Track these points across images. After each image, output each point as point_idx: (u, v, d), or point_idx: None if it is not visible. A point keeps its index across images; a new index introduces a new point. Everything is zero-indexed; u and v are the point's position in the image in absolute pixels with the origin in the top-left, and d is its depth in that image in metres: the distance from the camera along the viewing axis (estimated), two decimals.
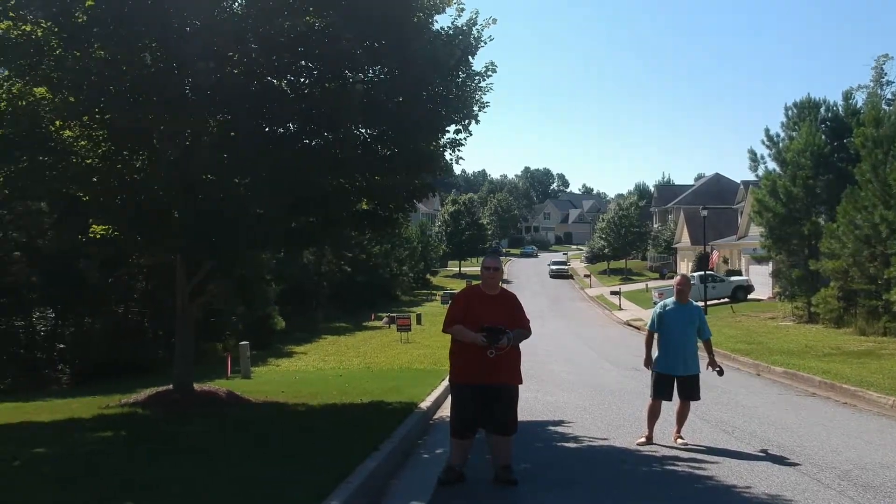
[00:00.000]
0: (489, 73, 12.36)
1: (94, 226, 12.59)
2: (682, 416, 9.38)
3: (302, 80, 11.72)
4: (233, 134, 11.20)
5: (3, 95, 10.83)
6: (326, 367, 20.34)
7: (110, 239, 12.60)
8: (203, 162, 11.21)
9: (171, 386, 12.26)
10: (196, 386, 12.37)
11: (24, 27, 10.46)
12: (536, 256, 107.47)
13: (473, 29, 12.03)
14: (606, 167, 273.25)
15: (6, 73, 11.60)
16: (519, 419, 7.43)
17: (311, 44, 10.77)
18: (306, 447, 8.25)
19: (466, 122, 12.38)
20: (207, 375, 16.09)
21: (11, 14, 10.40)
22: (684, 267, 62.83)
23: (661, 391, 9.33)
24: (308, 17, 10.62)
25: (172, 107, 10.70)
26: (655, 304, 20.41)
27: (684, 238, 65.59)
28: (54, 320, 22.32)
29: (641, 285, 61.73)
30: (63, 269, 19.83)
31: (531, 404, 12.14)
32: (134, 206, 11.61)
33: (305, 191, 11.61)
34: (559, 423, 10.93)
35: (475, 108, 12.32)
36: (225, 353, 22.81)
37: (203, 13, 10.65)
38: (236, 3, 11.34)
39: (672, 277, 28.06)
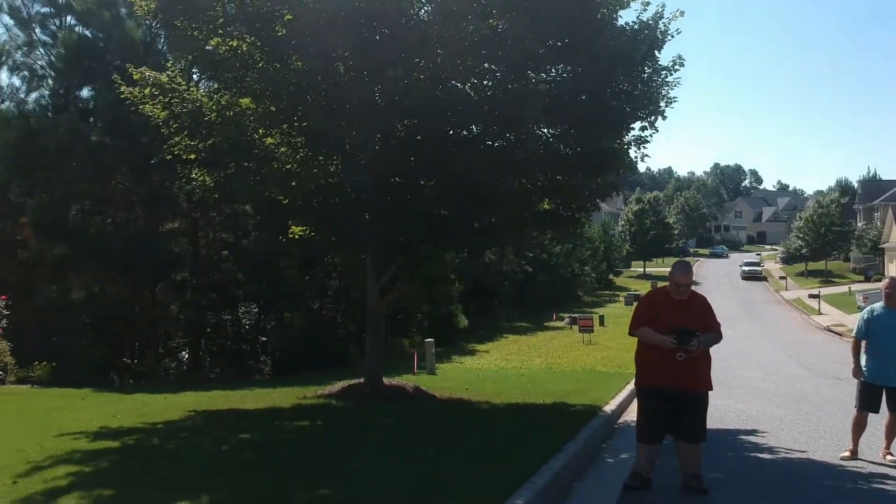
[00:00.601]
0: (676, 67, 11.94)
1: (292, 227, 13.39)
2: (891, 431, 8.63)
3: (485, 82, 11.86)
4: (419, 137, 11.53)
5: (213, 107, 11.74)
6: (509, 367, 20.48)
7: (307, 239, 13.35)
8: (391, 165, 11.61)
9: (362, 379, 12.80)
10: (385, 380, 12.84)
11: (231, 43, 11.31)
12: (727, 257, 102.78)
13: (660, 23, 11.68)
14: (803, 162, 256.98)
15: (216, 86, 12.58)
16: (708, 427, 7.13)
17: (495, 46, 10.87)
18: (489, 444, 8.35)
19: (652, 118, 12.04)
20: (395, 370, 16.66)
21: (220, 31, 11.27)
22: (893, 269, 57.84)
23: (867, 402, 8.63)
24: (491, 21, 10.73)
25: (363, 113, 11.17)
26: (860, 308, 18.91)
27: (893, 237, 60.38)
28: (257, 315, 23.96)
29: (843, 288, 57.49)
30: (265, 267, 21.23)
31: (721, 412, 11.62)
32: (328, 209, 12.23)
33: (488, 191, 11.74)
34: (752, 432, 10.38)
35: (661, 104, 11.95)
36: (411, 349, 23.52)
37: (391, 22, 11.03)
38: (422, 11, 11.67)
39: (879, 280, 25.88)
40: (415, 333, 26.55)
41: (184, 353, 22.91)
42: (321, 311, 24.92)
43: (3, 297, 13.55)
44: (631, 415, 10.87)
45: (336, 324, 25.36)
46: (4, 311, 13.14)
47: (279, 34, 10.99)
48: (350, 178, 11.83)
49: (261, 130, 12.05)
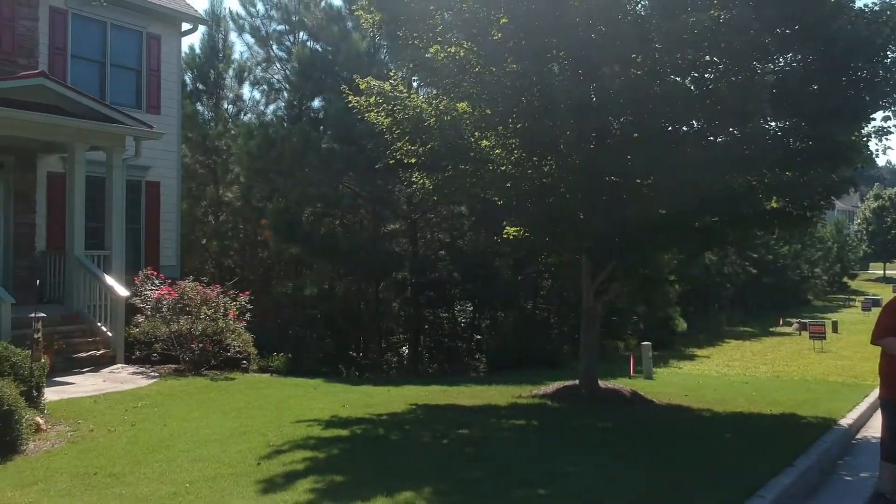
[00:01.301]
0: None
1: (507, 227, 13.57)
2: None
3: (706, 75, 11.37)
4: (636, 135, 11.27)
5: (432, 112, 12.16)
6: (731, 373, 19.52)
7: (521, 239, 13.48)
8: (607, 164, 11.44)
9: (576, 381, 12.73)
10: (600, 383, 12.68)
11: (449, 49, 11.66)
12: None
13: None
14: None
15: (434, 92, 13.03)
16: None
17: (717, 37, 10.39)
18: (711, 454, 8.00)
19: None
20: (610, 373, 16.40)
21: (439, 39, 11.66)
22: None
23: None
24: (713, 11, 10.28)
25: (578, 112, 11.09)
26: None
27: None
28: (472, 313, 24.51)
29: None
30: (480, 267, 21.68)
31: None
32: (543, 209, 12.27)
33: (710, 189, 11.25)
34: None
35: None
36: (626, 351, 23.05)
37: (607, 18, 10.88)
38: (639, 5, 11.41)
39: None
40: (630, 336, 25.99)
41: (404, 348, 23.91)
42: (534, 310, 25.05)
43: (247, 292, 14.81)
44: (871, 430, 10.00)
45: (548, 324, 25.39)
46: (248, 306, 14.36)
47: (495, 38, 11.18)
48: (564, 179, 11.79)
49: (476, 133, 12.32)
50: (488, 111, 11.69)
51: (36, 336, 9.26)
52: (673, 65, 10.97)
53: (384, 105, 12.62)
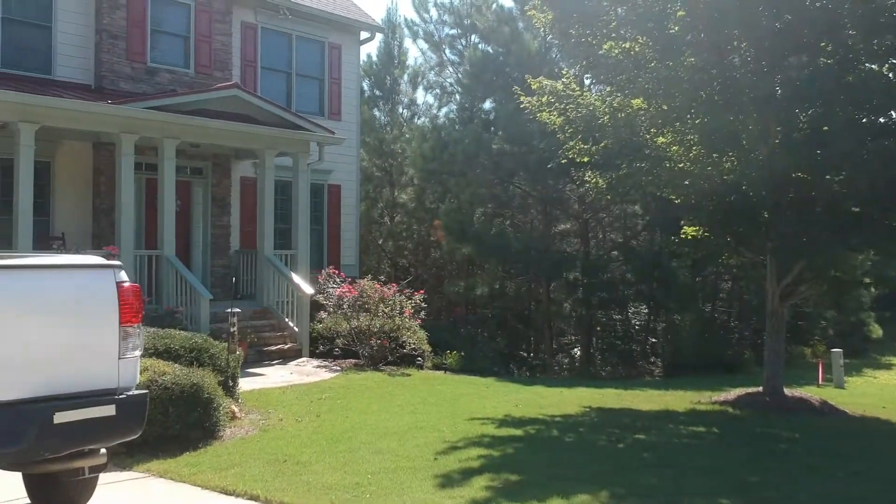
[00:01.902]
0: None
1: (684, 227, 13.12)
2: None
3: None
4: (825, 128, 10.58)
5: (606, 110, 11.98)
6: None
7: (700, 240, 12.99)
8: (793, 160, 10.81)
9: (759, 388, 12.12)
10: (786, 390, 12.01)
11: (623, 45, 11.43)
12: None
13: None
14: None
15: (608, 89, 12.83)
16: None
17: None
18: None
19: None
20: (795, 380, 15.48)
21: (612, 35, 11.47)
22: None
23: None
24: None
25: (760, 106, 10.57)
26: None
27: None
28: (647, 315, 23.91)
29: None
30: (654, 267, 21.10)
31: None
32: (723, 208, 11.78)
33: None
34: None
35: None
36: (814, 358, 21.71)
37: (793, 6, 10.29)
38: None
39: None
40: (818, 342, 24.43)
41: (576, 349, 23.70)
42: (713, 313, 24.10)
43: (422, 291, 15.20)
44: None
45: (728, 328, 24.34)
46: (423, 304, 14.74)
47: (672, 31, 10.86)
48: (747, 176, 11.25)
49: (652, 130, 12.01)
50: (665, 107, 11.36)
51: (232, 330, 9.94)
52: (867, 52, 10.23)
53: (556, 104, 12.56)
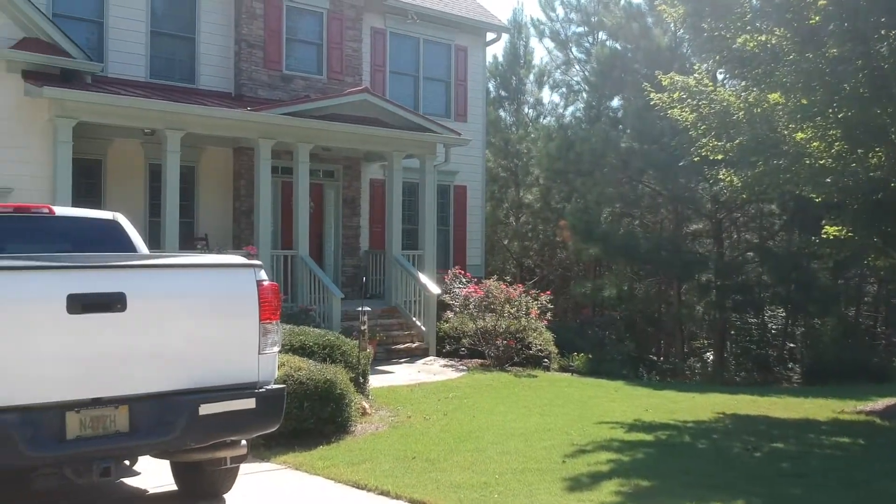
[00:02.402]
0: None
1: (826, 227, 12.47)
2: None
3: None
4: None
5: (741, 105, 11.52)
6: None
7: (843, 240, 12.30)
8: None
9: None
10: None
11: (759, 38, 10.98)
12: None
13: None
14: None
15: (743, 84, 12.35)
16: None
17: None
18: None
19: None
20: None
21: (747, 28, 11.02)
22: None
23: None
24: None
25: None
26: None
27: None
28: (784, 319, 22.87)
29: None
30: (792, 269, 20.16)
31: None
32: (869, 206, 11.13)
33: None
34: None
35: None
36: None
37: None
38: None
39: None
40: None
41: (708, 353, 22.95)
42: (857, 319, 22.79)
43: (548, 292, 15.11)
44: None
45: (874, 334, 22.96)
46: (549, 305, 14.65)
47: (812, 22, 10.33)
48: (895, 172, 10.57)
49: (791, 126, 11.46)
50: (805, 101, 10.81)
51: (362, 328, 10.19)
52: None
53: (688, 100, 12.20)
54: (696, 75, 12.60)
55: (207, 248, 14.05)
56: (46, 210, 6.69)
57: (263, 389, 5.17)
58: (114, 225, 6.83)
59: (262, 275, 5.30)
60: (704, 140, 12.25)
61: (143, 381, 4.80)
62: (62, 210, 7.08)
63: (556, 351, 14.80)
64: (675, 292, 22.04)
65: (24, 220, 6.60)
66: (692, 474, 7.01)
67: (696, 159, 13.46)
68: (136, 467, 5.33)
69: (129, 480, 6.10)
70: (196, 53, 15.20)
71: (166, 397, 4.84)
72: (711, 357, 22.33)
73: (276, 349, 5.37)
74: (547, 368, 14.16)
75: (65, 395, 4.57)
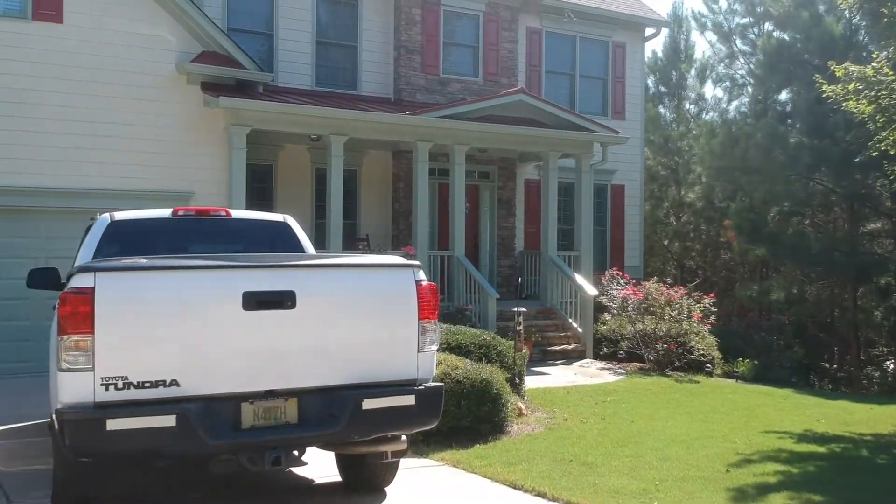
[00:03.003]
0: None
1: None
2: None
3: None
4: None
5: None
6: None
7: None
8: None
9: None
10: None
11: None
12: None
13: None
14: None
15: None
16: None
17: None
18: None
19: None
20: None
21: None
22: None
23: None
24: None
25: None
26: None
27: None
28: None
29: None
30: None
31: None
32: None
33: None
34: None
35: None
36: None
37: None
38: None
39: None
40: None
41: (888, 362, 21.33)
42: None
43: (711, 294, 14.55)
44: None
45: None
46: (712, 309, 14.10)
47: None
48: None
49: None
50: None
51: (518, 329, 10.21)
52: None
53: (865, 92, 11.39)
54: (874, 64, 11.74)
55: (368, 249, 14.53)
56: (224, 213, 7.14)
57: (423, 387, 5.28)
58: (284, 226, 7.20)
59: (421, 275, 5.42)
60: (884, 133, 11.41)
61: (311, 375, 5.03)
62: (238, 213, 7.53)
63: (720, 356, 14.23)
64: (850, 296, 20.64)
65: (205, 222, 7.08)
66: (870, 491, 6.57)
67: (874, 154, 12.57)
68: (303, 458, 5.58)
69: (296, 470, 6.42)
70: (357, 61, 15.73)
71: (332, 391, 5.04)
72: (892, 366, 20.74)
73: (435, 347, 5.47)
74: (709, 374, 13.65)
75: (240, 387, 4.86)
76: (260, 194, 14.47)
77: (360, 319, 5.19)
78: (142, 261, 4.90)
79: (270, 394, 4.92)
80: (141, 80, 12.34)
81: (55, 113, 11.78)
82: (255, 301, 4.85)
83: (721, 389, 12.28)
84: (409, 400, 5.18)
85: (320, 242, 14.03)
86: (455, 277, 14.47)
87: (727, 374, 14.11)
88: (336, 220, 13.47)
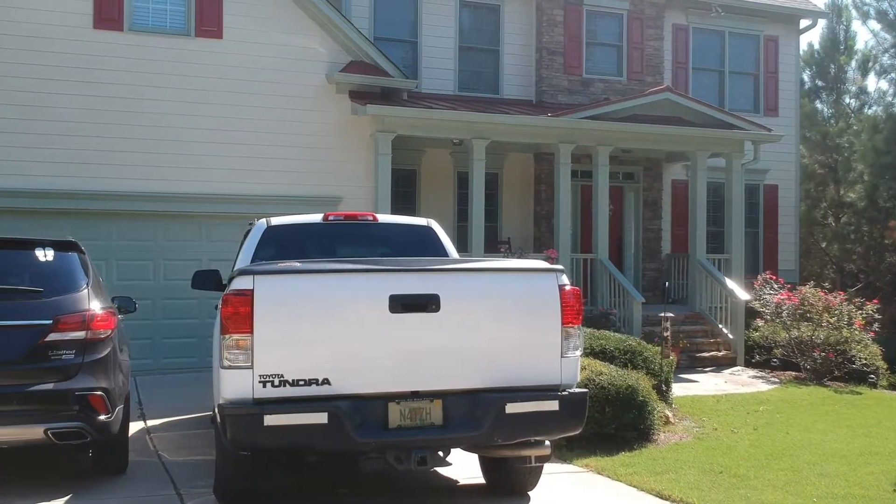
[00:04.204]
0: None
1: None
2: None
3: None
4: None
5: None
6: None
7: None
8: None
9: None
10: None
11: None
12: None
13: None
14: None
15: None
16: None
17: None
18: None
19: None
20: None
21: None
22: None
23: None
24: None
25: None
26: None
27: None
28: None
29: None
30: None
31: None
32: None
33: None
34: None
35: None
36: None
37: None
38: None
39: None
40: None
41: None
42: None
43: (875, 300, 13.62)
44: None
45: None
46: (876, 316, 13.19)
47: None
48: None
49: None
50: None
51: (665, 335, 9.96)
52: None
53: None
54: None
55: (510, 252, 14.57)
56: (370, 217, 7.36)
57: (566, 393, 5.24)
58: (428, 230, 7.33)
59: (564, 279, 5.38)
60: None
61: (455, 378, 5.10)
62: (384, 217, 7.77)
63: (885, 366, 13.30)
64: None
65: (353, 227, 7.34)
66: None
67: None
68: (447, 458, 5.66)
69: (441, 470, 6.51)
70: (499, 64, 15.79)
71: (476, 394, 5.09)
72: None
73: (579, 353, 5.42)
74: (873, 385, 12.78)
75: (387, 387, 5.00)
76: (404, 198, 14.80)
77: (503, 323, 5.22)
78: (296, 264, 5.13)
79: (416, 395, 5.03)
80: (294, 91, 12.89)
81: (215, 124, 12.49)
82: (401, 304, 4.97)
83: (886, 402, 11.48)
84: (553, 405, 5.15)
85: (462, 245, 14.17)
86: (598, 281, 14.26)
87: (893, 386, 13.17)
88: (478, 224, 13.57)
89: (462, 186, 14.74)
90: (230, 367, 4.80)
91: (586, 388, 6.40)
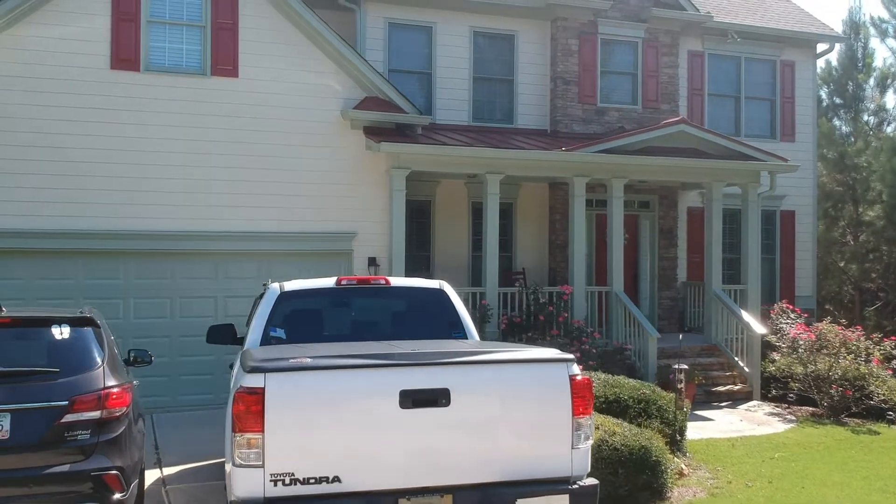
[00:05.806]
0: None
1: None
2: None
3: None
4: None
5: None
6: None
7: None
8: None
9: None
10: None
11: None
12: None
13: None
14: None
15: None
16: None
17: None
18: None
19: None
20: None
21: None
22: None
23: None
24: None
25: None
26: None
27: None
28: None
29: None
30: None
31: None
32: None
33: None
34: None
35: None
36: None
37: None
38: None
39: None
40: None
41: None
42: None
43: (893, 337, 13.48)
44: None
45: None
46: (894, 352, 13.06)
47: None
48: None
49: None
50: None
51: (679, 387, 9.90)
52: None
53: None
54: None
55: (524, 284, 14.56)
56: (383, 281, 7.40)
57: (577, 485, 5.23)
58: (440, 293, 7.36)
59: (575, 369, 5.37)
60: None
61: (465, 472, 5.11)
62: (396, 280, 7.78)
63: None
64: None
65: (366, 291, 7.37)
66: None
67: None
68: None
69: None
70: (513, 94, 15.80)
71: (486, 488, 5.10)
72: None
73: (590, 443, 5.41)
74: (891, 423, 12.66)
75: (398, 483, 5.02)
76: (419, 229, 14.85)
77: (513, 415, 5.22)
78: (307, 360, 5.15)
79: (426, 490, 5.05)
80: (308, 128, 12.94)
81: (230, 161, 12.55)
82: (412, 399, 4.99)
83: None
84: (563, 500, 5.15)
85: (477, 276, 14.22)
86: (613, 313, 14.21)
87: None
88: (492, 255, 13.55)
89: (477, 216, 14.76)
90: (242, 466, 4.84)
91: (599, 449, 6.40)
